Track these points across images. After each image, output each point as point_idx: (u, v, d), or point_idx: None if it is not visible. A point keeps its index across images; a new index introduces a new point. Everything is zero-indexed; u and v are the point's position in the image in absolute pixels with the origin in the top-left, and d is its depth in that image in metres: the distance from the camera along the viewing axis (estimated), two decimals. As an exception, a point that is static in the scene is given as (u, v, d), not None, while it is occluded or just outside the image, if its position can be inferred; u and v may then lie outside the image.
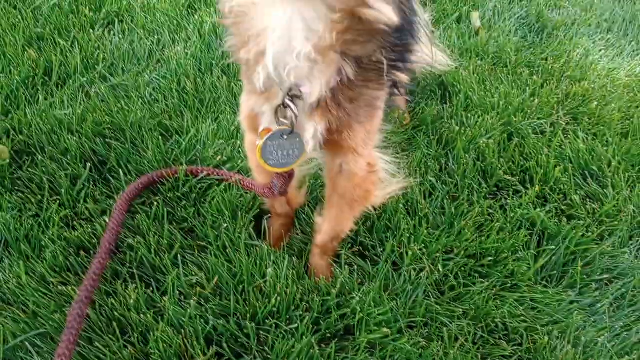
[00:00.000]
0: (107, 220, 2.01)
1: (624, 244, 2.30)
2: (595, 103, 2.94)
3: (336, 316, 1.85)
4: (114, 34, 2.84)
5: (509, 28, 3.46)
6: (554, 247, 2.19)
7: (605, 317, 2.04)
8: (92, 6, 2.93)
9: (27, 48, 2.62)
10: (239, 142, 2.34)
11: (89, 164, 2.17)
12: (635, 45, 3.61)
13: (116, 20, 2.93)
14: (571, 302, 2.06)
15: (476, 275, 2.08)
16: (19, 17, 2.79)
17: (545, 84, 3.04)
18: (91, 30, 2.81)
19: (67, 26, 2.79)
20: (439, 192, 2.31)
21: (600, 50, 3.48)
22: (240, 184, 2.16)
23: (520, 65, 3.15)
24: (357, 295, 1.92)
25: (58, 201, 2.06)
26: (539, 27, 3.55)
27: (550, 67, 3.17)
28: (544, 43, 3.41)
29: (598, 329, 1.99)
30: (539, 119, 2.78)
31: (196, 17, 3.02)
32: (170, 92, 2.52)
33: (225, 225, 2.00)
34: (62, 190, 2.05)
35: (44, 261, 1.88)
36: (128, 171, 2.19)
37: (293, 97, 1.32)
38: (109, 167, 2.20)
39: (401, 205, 2.21)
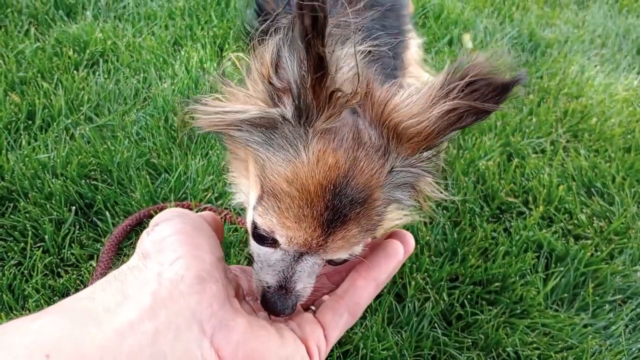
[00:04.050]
0: (94, 265, 1.93)
1: (635, 262, 2.23)
2: (595, 119, 2.89)
3: (338, 353, 1.77)
4: (99, 74, 2.78)
5: (502, 48, 3.41)
6: (562, 268, 2.12)
7: (622, 339, 1.98)
8: (76, 47, 2.87)
9: (9, 92, 2.56)
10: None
11: (74, 208, 2.09)
12: (631, 59, 3.57)
13: (101, 60, 2.87)
14: (585, 326, 1.99)
15: (483, 302, 2.01)
16: (1, 61, 2.74)
17: (542, 102, 2.98)
18: (75, 72, 2.75)
19: (51, 69, 2.73)
20: (440, 218, 2.23)
21: (595, 66, 3.43)
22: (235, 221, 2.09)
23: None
24: (359, 330, 1.84)
25: (42, 248, 1.98)
26: (531, 46, 3.51)
27: (546, 85, 3.12)
28: (538, 61, 3.36)
29: (615, 353, 1.93)
30: (538, 137, 2.72)
31: (182, 53, 2.96)
32: (157, 130, 2.46)
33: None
34: (46, 236, 1.97)
35: (28, 312, 1.79)
36: (115, 213, 2.12)
37: None
38: (96, 210, 2.12)
39: (401, 234, 2.13)
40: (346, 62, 1.04)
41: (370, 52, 1.28)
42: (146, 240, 1.01)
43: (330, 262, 1.16)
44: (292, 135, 1.08)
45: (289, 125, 1.08)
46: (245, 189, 1.26)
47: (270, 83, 1.08)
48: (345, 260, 1.16)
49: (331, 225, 1.05)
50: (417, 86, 1.11)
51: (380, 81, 1.19)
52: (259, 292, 1.15)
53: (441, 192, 1.26)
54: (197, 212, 2.06)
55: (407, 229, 2.08)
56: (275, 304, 1.11)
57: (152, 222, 1.06)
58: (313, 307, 1.18)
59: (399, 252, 1.16)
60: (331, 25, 0.94)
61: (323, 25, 0.90)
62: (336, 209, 1.04)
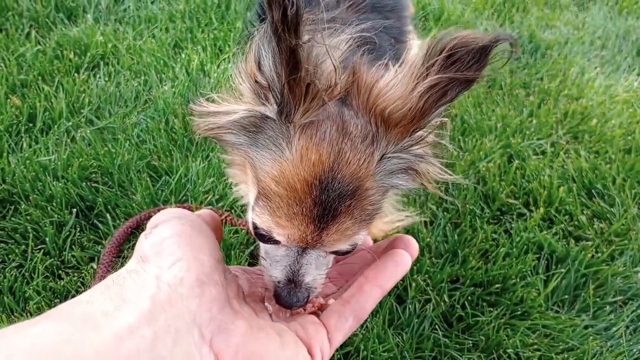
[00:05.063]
0: (94, 267, 1.94)
1: (635, 263, 2.23)
2: (595, 120, 2.89)
3: (339, 355, 1.77)
4: (100, 77, 2.79)
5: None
6: (563, 270, 2.12)
7: (622, 340, 1.98)
8: (77, 50, 2.88)
9: (10, 95, 2.56)
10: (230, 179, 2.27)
11: (75, 210, 2.09)
12: (631, 61, 3.56)
13: (101, 63, 2.87)
14: (585, 327, 1.99)
15: (484, 304, 2.01)
16: (2, 64, 2.74)
17: (542, 104, 2.98)
18: (76, 75, 2.75)
19: (52, 72, 2.73)
20: (441, 219, 2.23)
21: (595, 68, 3.43)
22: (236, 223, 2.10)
23: (516, 86, 3.09)
24: (360, 332, 1.84)
25: (43, 250, 1.98)
26: (532, 48, 3.50)
27: (546, 87, 3.12)
28: (538, 63, 3.36)
29: (615, 354, 1.93)
30: (538, 139, 2.72)
31: (183, 55, 2.96)
32: (158, 132, 2.46)
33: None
34: (47, 239, 1.98)
35: (29, 314, 1.80)
36: (116, 215, 2.12)
37: None
38: (97, 212, 2.12)
39: (401, 235, 2.13)
40: (331, 54, 1.04)
41: (364, 43, 1.28)
42: (144, 243, 1.01)
43: (335, 252, 1.17)
44: (276, 133, 1.09)
45: (272, 123, 1.09)
46: (245, 193, 1.27)
47: (256, 82, 1.09)
48: (349, 251, 1.17)
49: (323, 220, 1.05)
50: (400, 66, 1.10)
51: (371, 66, 1.19)
52: (270, 287, 1.17)
53: (447, 174, 1.25)
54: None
55: (408, 231, 2.09)
56: (286, 297, 1.12)
57: (150, 223, 1.06)
58: (316, 308, 1.18)
59: (407, 261, 1.17)
60: (306, 19, 0.95)
61: (294, 19, 0.91)
62: (325, 203, 1.04)
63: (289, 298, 1.12)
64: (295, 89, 1.02)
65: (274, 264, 1.16)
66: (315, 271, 1.16)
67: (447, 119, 1.18)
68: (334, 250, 1.13)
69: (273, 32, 0.95)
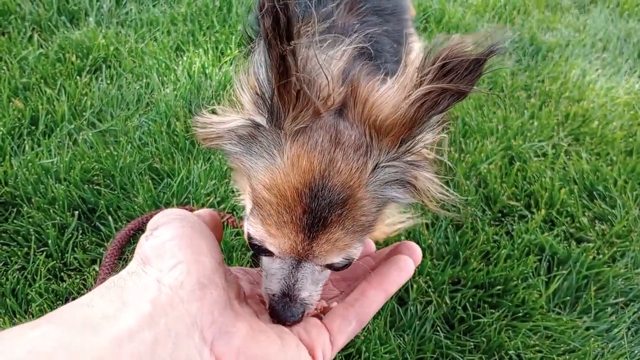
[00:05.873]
0: (97, 269, 1.94)
1: (637, 265, 2.23)
2: (596, 122, 2.89)
3: (340, 357, 1.77)
4: (102, 80, 2.79)
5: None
6: (564, 272, 2.12)
7: (624, 342, 1.98)
8: (79, 53, 2.88)
9: (12, 98, 2.57)
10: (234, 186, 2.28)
11: (77, 212, 2.10)
12: (632, 63, 3.57)
13: (103, 66, 2.88)
14: (587, 329, 1.99)
15: (486, 305, 2.01)
16: (5, 68, 2.75)
17: (543, 106, 2.98)
18: (78, 77, 2.76)
19: (54, 74, 2.74)
20: (442, 221, 2.23)
21: (596, 70, 3.43)
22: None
23: (517, 88, 3.10)
24: (361, 333, 1.84)
25: (45, 252, 1.98)
26: (533, 50, 3.51)
27: (547, 89, 3.12)
28: (540, 65, 3.36)
29: (617, 356, 1.93)
30: (539, 141, 2.72)
31: (184, 58, 2.97)
32: (160, 135, 2.46)
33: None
34: (50, 241, 1.98)
35: (32, 316, 1.80)
36: (118, 217, 2.12)
37: None
38: (99, 214, 2.13)
39: (403, 237, 2.13)
40: (324, 67, 1.04)
41: (365, 53, 1.28)
42: (145, 245, 1.00)
43: (330, 267, 1.16)
44: (268, 141, 1.09)
45: (265, 131, 1.10)
46: (245, 203, 1.27)
47: (256, 94, 1.10)
48: (346, 265, 1.16)
49: (313, 229, 1.04)
50: (398, 76, 1.09)
51: (370, 79, 1.19)
52: (266, 301, 1.16)
53: (448, 193, 1.24)
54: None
55: (409, 233, 2.10)
56: (280, 311, 1.11)
57: (150, 225, 1.05)
58: (318, 311, 1.19)
59: (410, 267, 1.18)
60: (300, 28, 0.95)
61: (285, 26, 0.92)
62: (315, 212, 1.03)
63: (283, 312, 1.11)
64: (284, 95, 1.02)
65: (270, 276, 1.16)
66: (312, 287, 1.15)
67: (445, 136, 1.18)
68: (327, 263, 1.12)
69: (264, 39, 0.95)
